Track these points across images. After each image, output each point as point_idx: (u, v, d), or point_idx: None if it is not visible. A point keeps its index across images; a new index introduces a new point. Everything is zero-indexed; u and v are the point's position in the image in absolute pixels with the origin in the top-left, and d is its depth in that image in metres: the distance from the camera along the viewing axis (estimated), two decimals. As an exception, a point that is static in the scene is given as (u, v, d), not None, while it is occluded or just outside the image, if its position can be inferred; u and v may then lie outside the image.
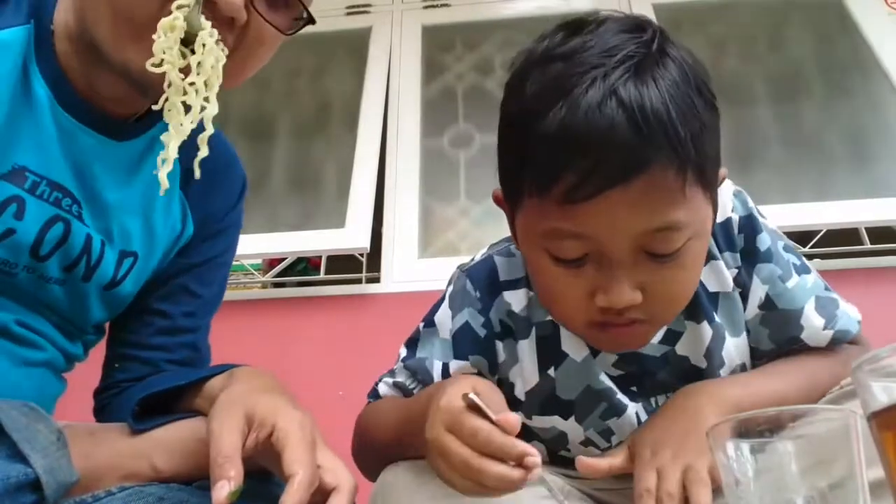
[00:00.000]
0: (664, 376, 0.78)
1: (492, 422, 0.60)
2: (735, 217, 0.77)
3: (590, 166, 0.61)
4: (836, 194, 1.94)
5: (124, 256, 0.79)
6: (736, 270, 0.78)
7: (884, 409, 0.44)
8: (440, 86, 2.34)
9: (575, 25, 0.68)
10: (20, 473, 0.58)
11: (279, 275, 2.25)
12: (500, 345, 0.81)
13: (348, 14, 2.49)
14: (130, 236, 0.79)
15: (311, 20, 0.72)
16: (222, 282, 0.92)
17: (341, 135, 2.24)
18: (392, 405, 0.80)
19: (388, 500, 0.70)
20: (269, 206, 2.12)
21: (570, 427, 0.80)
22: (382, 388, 0.83)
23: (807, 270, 0.80)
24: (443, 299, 0.83)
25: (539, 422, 0.81)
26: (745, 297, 0.78)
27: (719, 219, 0.75)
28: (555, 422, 0.80)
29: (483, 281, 0.81)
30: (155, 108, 0.65)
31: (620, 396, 0.78)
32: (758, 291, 0.78)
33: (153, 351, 0.85)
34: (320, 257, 2.28)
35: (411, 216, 2.01)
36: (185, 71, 0.64)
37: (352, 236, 1.94)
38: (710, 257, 0.76)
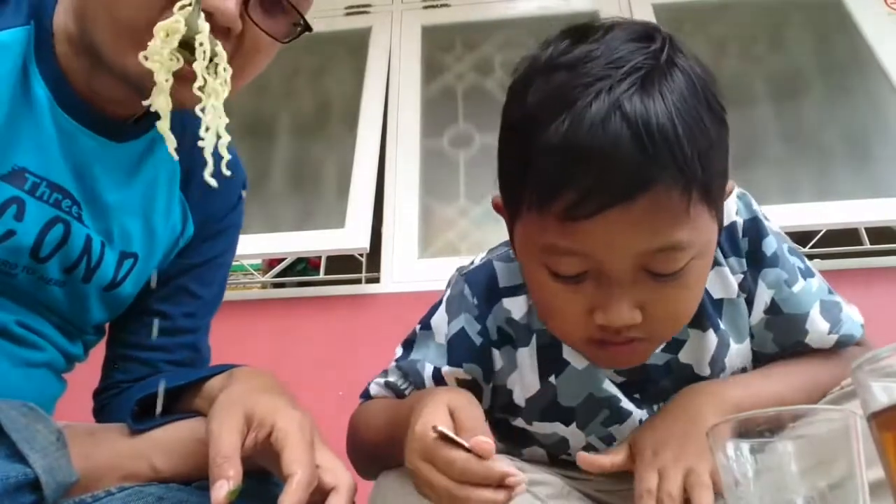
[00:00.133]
0: (667, 384, 0.78)
1: (466, 449, 0.58)
2: (739, 221, 0.76)
3: (591, 184, 0.59)
4: (836, 194, 1.94)
5: (124, 257, 0.79)
6: (741, 276, 0.77)
7: (884, 409, 0.44)
8: (440, 86, 2.34)
9: (581, 32, 0.66)
10: (20, 473, 0.58)
11: (279, 275, 2.25)
12: (496, 353, 0.79)
13: (348, 14, 2.49)
14: (130, 237, 0.79)
15: (308, 28, 0.72)
16: (222, 282, 0.92)
17: (341, 135, 2.24)
18: (382, 406, 0.80)
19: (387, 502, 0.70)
20: (269, 206, 2.12)
21: (572, 433, 0.80)
22: (374, 389, 0.83)
23: (811, 274, 0.79)
24: (440, 302, 0.82)
25: (540, 428, 0.81)
26: (749, 302, 0.77)
27: (723, 223, 0.73)
28: (556, 428, 0.80)
29: (482, 287, 0.80)
30: (145, 102, 0.65)
31: (625, 403, 0.77)
32: (763, 296, 0.77)
33: (153, 352, 0.85)
34: (320, 257, 2.28)
35: (411, 216, 2.01)
36: (186, 75, 0.64)
37: (351, 236, 1.94)
38: (715, 263, 0.74)
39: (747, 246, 0.76)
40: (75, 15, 0.69)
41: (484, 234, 2.00)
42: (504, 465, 0.58)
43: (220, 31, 0.65)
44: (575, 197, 0.60)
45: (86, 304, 0.78)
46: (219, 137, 0.65)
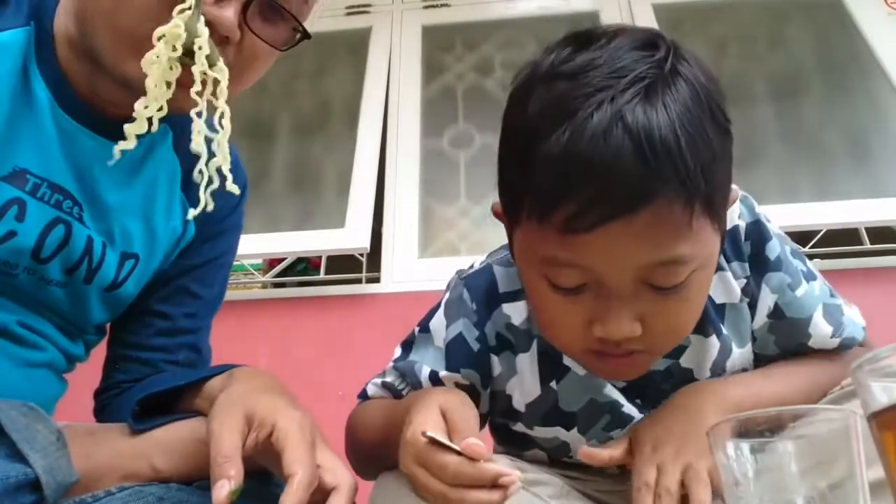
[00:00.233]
0: (668, 388, 0.77)
1: (458, 452, 0.58)
2: (742, 224, 0.75)
3: (592, 196, 0.58)
4: (836, 194, 1.94)
5: (125, 258, 0.79)
6: (745, 281, 0.76)
7: (884, 409, 0.44)
8: (440, 86, 2.34)
9: (583, 39, 0.64)
10: (20, 473, 0.58)
11: (279, 275, 2.25)
12: (495, 358, 0.79)
13: (348, 14, 2.49)
14: (132, 238, 0.79)
15: (307, 36, 0.72)
16: (223, 283, 0.92)
17: (341, 135, 2.24)
18: (379, 406, 0.79)
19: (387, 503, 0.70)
20: (269, 206, 2.12)
21: (573, 437, 0.80)
22: (371, 389, 0.83)
23: (813, 277, 0.79)
24: (439, 305, 0.81)
25: (541, 432, 0.81)
26: (752, 307, 0.77)
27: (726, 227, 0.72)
28: (557, 432, 0.80)
29: (481, 292, 0.79)
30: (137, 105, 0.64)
31: (626, 408, 0.77)
32: (767, 301, 0.76)
33: (153, 352, 0.85)
34: (320, 257, 2.28)
35: (411, 216, 2.01)
36: (184, 80, 0.64)
37: (352, 236, 1.95)
38: (717, 268, 0.72)
39: (750, 250, 0.75)
40: (76, 19, 0.69)
41: (484, 234, 2.00)
42: (497, 465, 0.58)
43: (218, 39, 0.65)
44: (575, 209, 0.59)
45: (87, 304, 0.78)
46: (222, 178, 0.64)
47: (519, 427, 0.82)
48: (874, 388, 0.45)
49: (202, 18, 0.63)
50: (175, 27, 0.62)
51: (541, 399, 0.78)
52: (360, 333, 1.81)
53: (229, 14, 0.65)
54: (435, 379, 0.78)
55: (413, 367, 0.79)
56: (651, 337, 0.64)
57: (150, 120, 0.65)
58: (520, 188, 0.64)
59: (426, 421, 0.61)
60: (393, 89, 2.27)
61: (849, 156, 2.05)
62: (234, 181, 0.90)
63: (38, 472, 0.58)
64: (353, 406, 0.85)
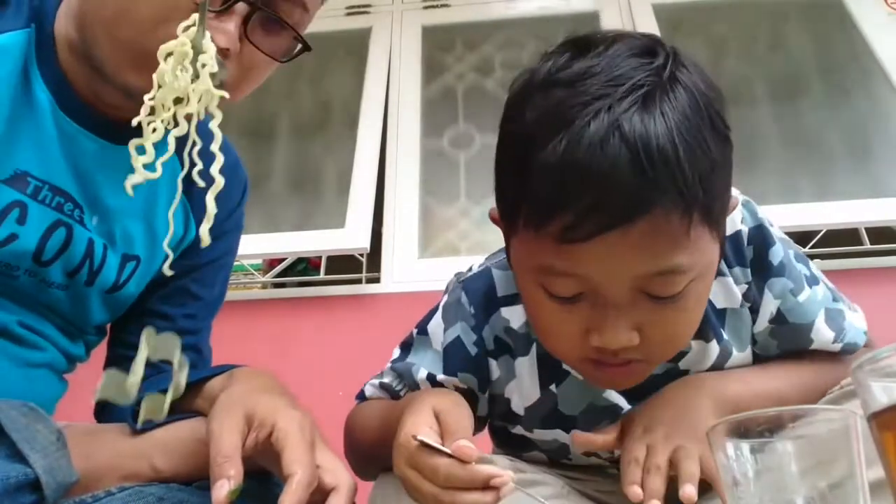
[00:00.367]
0: None
1: (449, 454, 0.58)
2: (744, 229, 0.74)
3: (588, 206, 0.57)
4: (836, 194, 1.95)
5: (127, 260, 0.79)
6: (746, 286, 0.75)
7: (884, 409, 0.44)
8: (440, 86, 2.34)
9: (582, 45, 0.63)
10: (20, 473, 0.58)
11: (279, 275, 2.25)
12: (493, 362, 0.79)
13: (348, 14, 2.49)
14: (133, 240, 0.79)
15: (307, 48, 0.72)
16: (223, 283, 0.92)
17: (341, 135, 2.24)
18: (376, 407, 0.79)
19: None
20: (270, 207, 2.12)
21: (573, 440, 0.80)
22: (369, 390, 0.83)
23: (816, 281, 0.78)
24: (437, 307, 0.81)
25: (540, 435, 0.80)
26: (754, 311, 0.76)
27: (727, 232, 0.71)
28: (557, 435, 0.80)
29: (479, 295, 0.78)
30: (134, 121, 0.64)
31: (626, 412, 0.77)
32: (769, 306, 0.75)
33: (154, 352, 0.85)
34: (320, 257, 2.28)
35: (411, 216, 2.02)
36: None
37: (352, 236, 1.95)
38: (718, 273, 0.72)
39: (752, 255, 0.75)
40: (76, 24, 0.69)
41: (484, 234, 2.00)
42: (489, 466, 0.58)
43: (219, 52, 0.65)
44: (572, 218, 0.58)
45: (87, 305, 0.78)
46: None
47: (518, 430, 0.81)
48: (874, 388, 0.45)
49: (207, 35, 0.63)
50: (182, 45, 0.62)
51: (540, 402, 0.78)
52: (360, 333, 1.81)
53: (230, 27, 0.65)
54: (433, 381, 0.78)
55: (410, 369, 0.79)
56: (649, 346, 0.63)
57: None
58: (516, 196, 0.64)
59: (419, 423, 0.61)
60: (393, 89, 2.27)
61: (849, 156, 2.05)
62: (236, 182, 0.91)
63: (38, 473, 0.58)
64: (352, 406, 0.85)
